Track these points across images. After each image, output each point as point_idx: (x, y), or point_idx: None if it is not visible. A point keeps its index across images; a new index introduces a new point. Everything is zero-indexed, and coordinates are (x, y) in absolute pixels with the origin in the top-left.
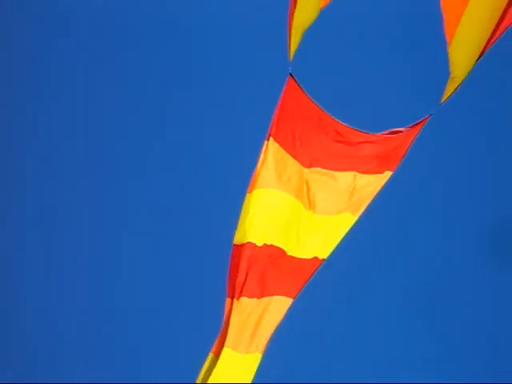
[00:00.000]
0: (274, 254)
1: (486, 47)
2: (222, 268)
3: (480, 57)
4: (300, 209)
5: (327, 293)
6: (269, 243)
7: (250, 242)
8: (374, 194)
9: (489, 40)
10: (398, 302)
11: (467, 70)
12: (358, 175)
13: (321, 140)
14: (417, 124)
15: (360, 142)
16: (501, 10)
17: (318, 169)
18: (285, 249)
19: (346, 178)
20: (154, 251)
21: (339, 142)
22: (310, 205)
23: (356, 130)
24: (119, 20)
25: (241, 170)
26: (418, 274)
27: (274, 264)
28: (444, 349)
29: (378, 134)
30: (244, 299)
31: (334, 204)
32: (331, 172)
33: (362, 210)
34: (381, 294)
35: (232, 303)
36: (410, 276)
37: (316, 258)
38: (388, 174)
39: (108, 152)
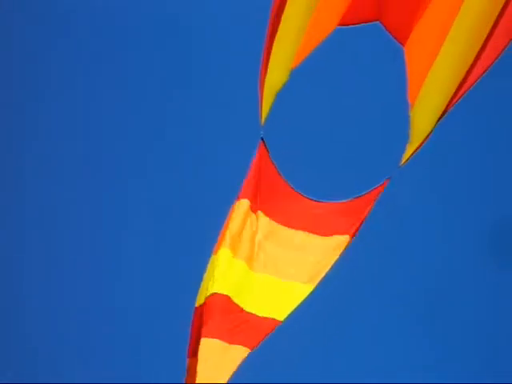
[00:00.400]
0: (234, 307)
1: (446, 109)
2: None
3: (440, 119)
4: (253, 275)
5: (328, 296)
6: (230, 295)
7: (212, 294)
8: (332, 263)
9: (449, 102)
10: (396, 303)
11: (427, 132)
12: (315, 237)
13: (284, 208)
14: (375, 189)
15: (321, 212)
16: (464, 71)
17: (276, 224)
18: (242, 305)
19: (303, 239)
20: (153, 251)
21: (301, 214)
22: (264, 268)
23: (319, 202)
24: (119, 20)
25: (239, 170)
26: (417, 275)
27: (232, 316)
28: (443, 350)
29: (340, 202)
30: (205, 340)
31: (291, 269)
32: (288, 229)
33: (318, 280)
34: (380, 296)
35: (192, 362)
36: (409, 278)
37: (273, 318)
38: (346, 240)
39: (108, 152)
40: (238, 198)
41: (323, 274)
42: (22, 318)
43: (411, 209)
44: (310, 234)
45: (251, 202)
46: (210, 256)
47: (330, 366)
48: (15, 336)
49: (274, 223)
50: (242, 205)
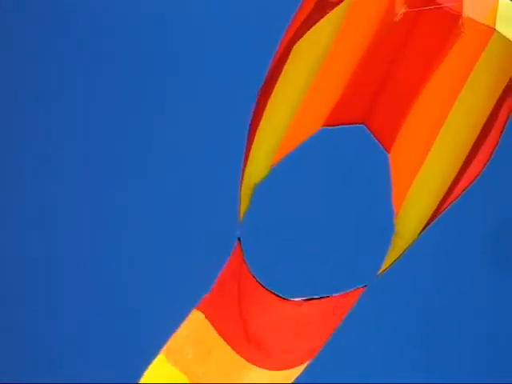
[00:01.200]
0: None
1: (431, 219)
2: (220, 267)
3: (425, 228)
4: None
5: None
6: None
7: None
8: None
9: (435, 212)
10: (395, 304)
11: (409, 242)
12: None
13: (251, 325)
14: (348, 293)
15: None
16: (450, 181)
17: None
18: None
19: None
20: (153, 251)
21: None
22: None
23: (292, 303)
24: (119, 20)
25: (238, 170)
26: (418, 278)
27: None
28: (444, 351)
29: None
30: None
31: None
32: (251, 365)
33: None
34: (379, 294)
35: None
36: (409, 280)
37: None
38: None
39: (108, 152)
40: (199, 308)
41: None
42: (22, 319)
43: None
44: (271, 372)
45: (214, 315)
46: (209, 256)
47: (330, 366)
48: (15, 336)
49: (234, 354)
50: (204, 323)
